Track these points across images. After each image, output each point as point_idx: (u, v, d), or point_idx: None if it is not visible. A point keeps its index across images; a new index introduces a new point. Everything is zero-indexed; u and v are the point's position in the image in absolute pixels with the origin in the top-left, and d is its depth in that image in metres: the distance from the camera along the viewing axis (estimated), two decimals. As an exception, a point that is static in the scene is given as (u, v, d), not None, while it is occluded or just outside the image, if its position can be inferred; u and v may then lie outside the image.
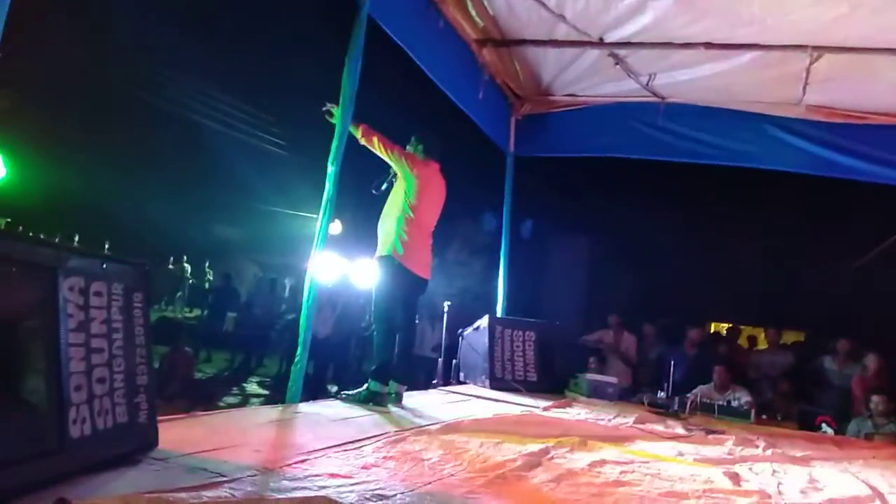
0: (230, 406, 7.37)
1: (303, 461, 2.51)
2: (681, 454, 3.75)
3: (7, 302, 1.85)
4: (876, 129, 5.49)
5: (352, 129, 4.11)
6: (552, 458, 3.14)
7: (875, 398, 5.91)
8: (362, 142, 4.23)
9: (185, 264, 15.77)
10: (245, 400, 8.17)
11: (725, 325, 10.44)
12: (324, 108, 4.09)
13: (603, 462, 3.17)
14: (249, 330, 10.41)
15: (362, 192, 4.64)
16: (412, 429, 3.50)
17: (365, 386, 4.25)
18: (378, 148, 4.24)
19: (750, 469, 3.46)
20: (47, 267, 1.99)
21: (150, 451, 2.36)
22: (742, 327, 9.67)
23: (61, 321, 2.01)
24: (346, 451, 2.77)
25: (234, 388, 8.62)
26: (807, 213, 9.65)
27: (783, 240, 10.13)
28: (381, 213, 4.44)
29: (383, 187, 4.47)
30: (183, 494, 1.90)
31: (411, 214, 4.31)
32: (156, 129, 13.32)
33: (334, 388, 8.47)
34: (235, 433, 2.83)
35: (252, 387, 9.16)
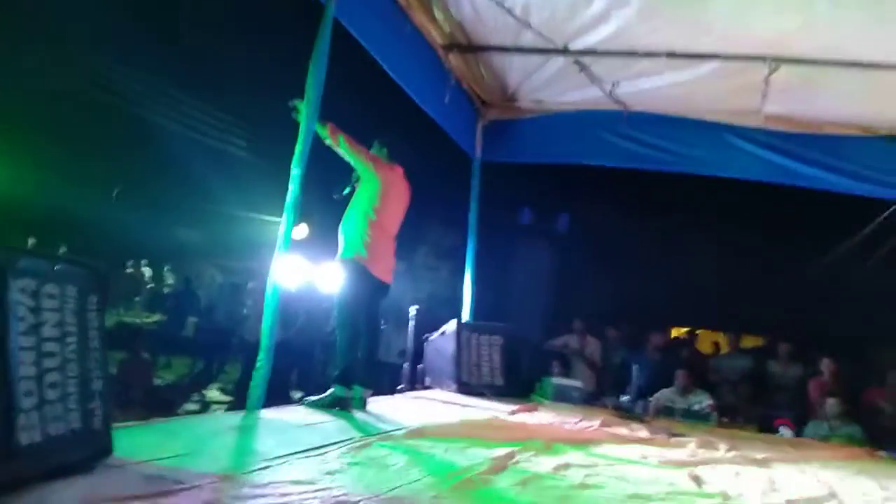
0: (190, 413, 7.19)
1: (265, 468, 2.45)
2: (645, 457, 3.80)
3: (-48, 303, 1.77)
4: (831, 139, 5.67)
5: (318, 127, 4.06)
6: (517, 461, 3.14)
7: (830, 401, 6.10)
8: (328, 142, 4.19)
9: (144, 268, 15.39)
10: (206, 407, 7.99)
11: (685, 330, 10.64)
12: (290, 104, 4.04)
13: (568, 465, 3.19)
14: (210, 335, 10.20)
15: (327, 195, 4.59)
16: (377, 434, 3.46)
17: (329, 391, 4.19)
18: (344, 148, 4.20)
19: (712, 471, 3.52)
20: (-5, 267, 1.91)
21: (106, 458, 2.28)
22: (702, 332, 9.88)
23: (11, 324, 1.93)
24: (309, 457, 2.73)
25: (195, 395, 8.42)
26: (765, 221, 9.92)
27: (742, 246, 10.40)
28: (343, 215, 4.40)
29: (345, 192, 4.43)
30: (138, 503, 1.84)
31: (375, 217, 4.28)
32: (113, 129, 12.98)
33: (298, 395, 8.36)
34: (194, 440, 2.76)
35: (213, 393, 8.97)
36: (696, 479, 3.24)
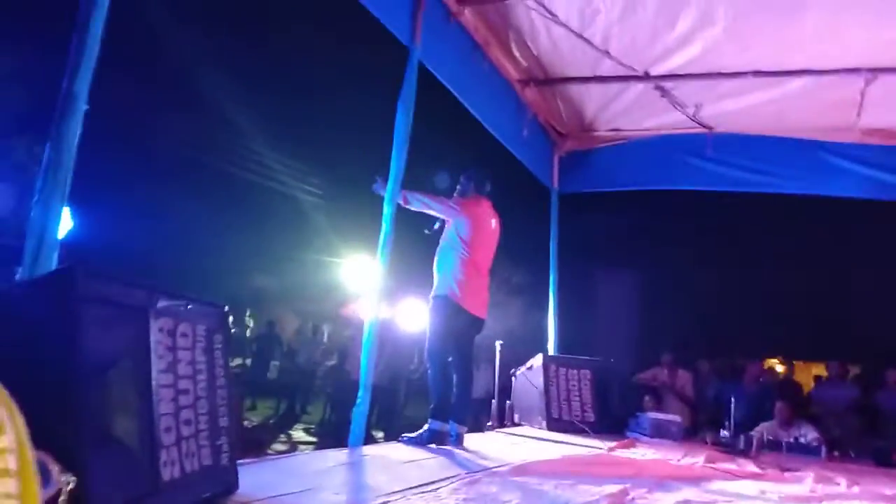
0: (280, 453, 7.29)
1: (384, 503, 2.44)
2: (763, 492, 3.58)
3: (105, 343, 1.85)
4: (935, 149, 5.35)
5: (408, 202, 4.14)
6: (633, 498, 3.01)
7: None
8: (405, 206, 4.24)
9: (225, 309, 15.88)
10: (293, 447, 8.09)
11: (778, 360, 10.11)
12: (374, 184, 4.12)
13: (687, 502, 3.04)
14: (292, 377, 10.40)
15: (401, 233, 4.64)
16: (482, 471, 3.40)
17: (425, 426, 4.17)
18: (421, 207, 4.25)
19: (841, 507, 3.28)
20: (139, 308, 2.00)
21: (232, 494, 2.32)
22: (798, 362, 9.36)
23: (153, 362, 2.01)
24: (423, 493, 2.70)
25: (281, 435, 8.56)
26: (862, 242, 9.38)
27: (835, 269, 9.85)
28: (435, 252, 4.43)
29: (436, 226, 4.46)
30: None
31: (466, 254, 4.29)
32: (195, 182, 13.68)
33: (380, 434, 8.36)
34: (310, 476, 2.78)
35: (298, 433, 9.09)
36: (828, 517, 3.01)
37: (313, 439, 8.65)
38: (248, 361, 12.12)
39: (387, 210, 3.99)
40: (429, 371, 4.42)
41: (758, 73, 4.91)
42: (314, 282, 15.67)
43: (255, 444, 7.55)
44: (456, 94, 4.82)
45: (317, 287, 15.46)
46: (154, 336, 2.03)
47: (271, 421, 9.69)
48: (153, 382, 1.99)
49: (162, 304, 2.10)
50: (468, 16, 4.70)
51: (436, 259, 4.40)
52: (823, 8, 3.99)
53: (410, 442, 4.10)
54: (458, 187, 4.54)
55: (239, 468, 2.52)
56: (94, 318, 1.77)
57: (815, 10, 4.04)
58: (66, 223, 2.41)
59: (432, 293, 4.35)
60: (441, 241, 4.42)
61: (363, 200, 4.35)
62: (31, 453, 0.66)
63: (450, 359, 4.34)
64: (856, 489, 3.92)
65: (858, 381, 7.93)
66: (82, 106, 2.27)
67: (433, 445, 4.04)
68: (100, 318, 1.80)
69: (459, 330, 4.32)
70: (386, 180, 4.02)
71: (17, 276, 2.21)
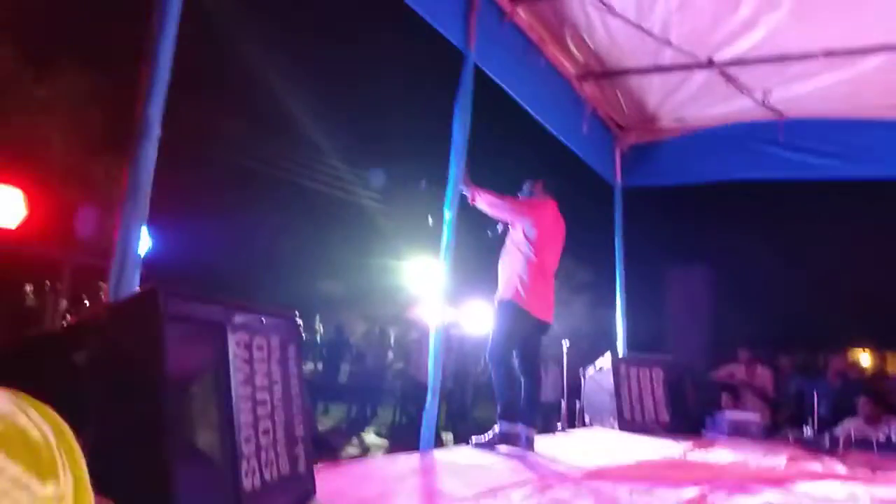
0: (352, 457, 7.44)
1: (459, 510, 2.45)
2: (854, 495, 3.39)
3: (187, 360, 1.94)
4: None
5: (463, 189, 4.14)
6: (711, 502, 2.91)
7: None
8: (472, 203, 4.24)
9: (297, 320, 16.34)
10: (365, 450, 8.24)
11: (867, 351, 9.56)
12: (420, 186, 4.16)
13: (770, 506, 2.92)
14: (362, 380, 10.59)
15: (464, 235, 4.63)
16: (554, 475, 3.37)
17: (494, 428, 4.16)
18: (487, 207, 4.23)
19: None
20: (218, 323, 2.08)
21: (310, 501, 2.37)
22: (889, 353, 8.84)
23: (231, 375, 2.08)
24: (495, 498, 2.69)
25: (354, 439, 8.72)
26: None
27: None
28: (498, 255, 4.41)
29: (499, 228, 4.44)
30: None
31: (532, 256, 4.24)
32: (263, 192, 14.13)
33: (449, 436, 8.41)
34: (383, 482, 2.83)
35: (370, 437, 9.25)
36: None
37: (384, 442, 8.78)
38: (320, 366, 12.41)
39: (448, 213, 4.00)
40: (492, 374, 4.41)
41: (829, 54, 4.66)
42: (379, 285, 15.93)
43: (329, 448, 7.72)
44: (513, 94, 4.79)
45: (382, 290, 15.70)
46: (232, 350, 2.11)
47: (343, 425, 9.89)
48: (233, 395, 2.07)
49: (238, 319, 2.17)
50: (522, 15, 4.67)
51: (500, 261, 4.38)
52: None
53: (480, 445, 4.10)
54: (524, 187, 4.51)
55: (315, 475, 2.59)
56: (178, 335, 1.85)
57: (890, -18, 3.80)
58: (145, 242, 2.53)
59: (497, 296, 4.33)
60: (507, 243, 4.40)
61: (425, 203, 4.37)
62: (90, 498, 0.64)
63: (514, 361, 4.32)
64: (958, 490, 3.67)
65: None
66: (156, 130, 2.38)
67: (503, 447, 4.02)
68: (182, 336, 1.89)
69: (524, 333, 4.29)
70: (430, 183, 4.04)
71: (102, 294, 2.33)
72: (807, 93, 5.18)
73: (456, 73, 4.13)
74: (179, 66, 2.45)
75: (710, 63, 5.01)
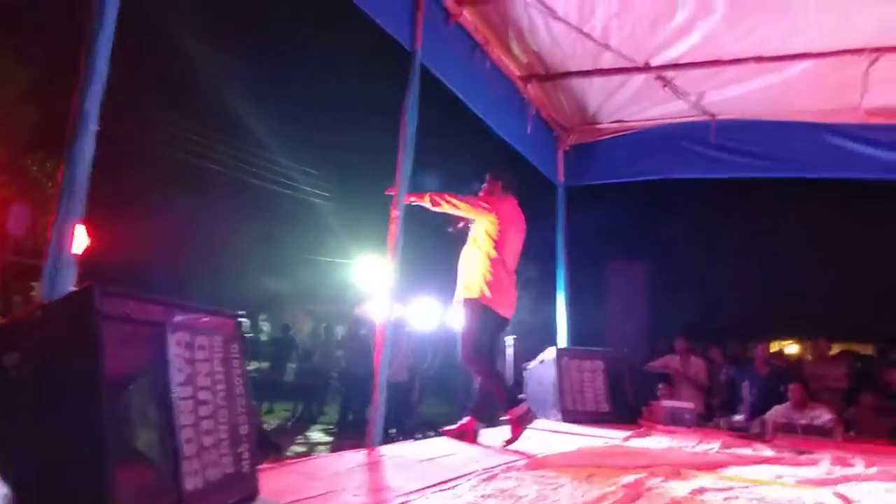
0: (299, 455, 7.38)
1: (404, 503, 2.49)
2: (779, 477, 3.60)
3: (125, 360, 1.91)
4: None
5: (417, 201, 4.17)
6: (650, 488, 3.04)
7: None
8: (434, 209, 4.27)
9: (241, 318, 16.07)
10: (311, 448, 8.18)
11: (790, 341, 10.12)
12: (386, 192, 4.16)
13: (703, 490, 3.07)
14: (309, 378, 10.51)
15: (413, 232, 4.66)
16: (499, 465, 3.44)
17: (464, 420, 4.25)
18: (450, 209, 4.26)
19: (858, 489, 3.30)
20: (157, 323, 2.06)
21: (254, 500, 2.37)
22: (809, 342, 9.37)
23: (172, 376, 2.07)
24: (442, 490, 2.75)
25: (300, 437, 8.65)
26: (866, 221, 9.34)
27: (843, 249, 9.81)
28: (451, 251, 4.45)
29: (459, 225, 4.46)
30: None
31: (495, 254, 4.27)
32: (206, 190, 13.80)
33: (394, 431, 8.43)
34: (329, 479, 2.84)
35: (316, 434, 9.19)
36: (845, 499, 3.04)
37: (331, 440, 8.73)
38: (265, 365, 12.25)
39: (396, 212, 4.02)
40: (473, 373, 4.43)
41: (759, 59, 4.90)
42: (327, 283, 15.79)
43: (274, 447, 7.62)
44: (459, 94, 4.84)
45: (330, 288, 15.57)
46: (172, 350, 2.09)
47: (289, 423, 9.79)
48: (172, 395, 2.05)
49: (178, 318, 2.15)
50: (467, 16, 4.72)
51: (462, 260, 4.39)
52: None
53: (449, 434, 4.21)
54: (483, 185, 4.55)
55: (259, 474, 2.59)
56: (115, 336, 1.82)
57: (815, -8, 4.04)
58: (81, 240, 2.46)
59: (462, 296, 4.34)
60: (468, 242, 4.43)
61: (374, 202, 4.38)
62: None
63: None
64: (873, 470, 3.93)
65: (864, 360, 7.95)
66: (93, 126, 2.33)
67: (466, 442, 4.09)
68: (120, 336, 1.86)
69: (490, 332, 4.33)
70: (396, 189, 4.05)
71: (35, 294, 2.27)
72: (737, 96, 5.44)
73: (404, 72, 4.15)
74: (117, 59, 2.39)
75: (647, 67, 5.19)
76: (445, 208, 4.25)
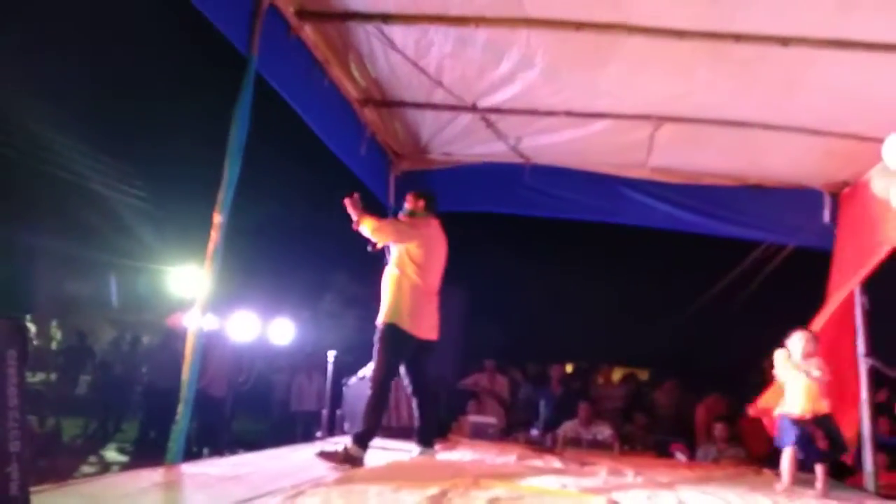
0: (87, 476, 6.73)
1: (201, 524, 2.44)
2: (564, 486, 4.03)
3: None
4: (709, 188, 6.37)
5: (351, 214, 4.14)
6: (451, 499, 3.25)
7: (718, 426, 6.68)
8: (356, 229, 4.24)
9: (28, 323, 14.23)
10: (105, 468, 7.50)
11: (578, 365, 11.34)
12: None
13: (498, 499, 3.34)
14: (105, 393, 9.60)
15: (235, 243, 4.57)
16: (307, 482, 3.47)
17: (343, 446, 4.14)
18: (370, 232, 4.25)
19: (626, 496, 3.82)
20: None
21: (23, 527, 2.19)
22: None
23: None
24: (244, 509, 2.73)
25: (92, 457, 7.88)
26: (652, 265, 10.85)
27: (631, 288, 11.23)
28: (381, 274, 4.43)
29: (379, 246, 4.41)
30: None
31: (416, 278, 4.26)
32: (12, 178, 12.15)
33: (205, 450, 8.02)
34: (117, 500, 2.66)
35: (111, 454, 8.43)
36: (613, 504, 3.51)
37: (126, 459, 8.06)
38: (53, 376, 10.96)
39: (219, 217, 3.91)
40: (369, 396, 4.34)
41: (568, 114, 5.52)
42: (135, 291, 14.52)
43: (57, 468, 6.89)
44: (295, 107, 4.85)
45: (137, 296, 14.35)
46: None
47: (79, 441, 8.86)
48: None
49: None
50: (308, 32, 4.73)
51: (384, 282, 4.34)
52: (623, 62, 4.61)
53: (324, 455, 4.07)
54: (404, 206, 4.52)
55: (34, 496, 2.38)
56: None
57: (616, 64, 4.64)
58: None
59: (380, 319, 4.29)
60: (390, 263, 4.37)
61: (193, 208, 4.21)
62: None
63: (403, 385, 4.41)
64: (640, 479, 4.56)
65: (640, 384, 9.20)
66: None
67: (346, 466, 3.99)
68: None
69: (409, 356, 4.33)
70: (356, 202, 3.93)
71: None
72: (550, 144, 6.06)
73: (237, 77, 4.09)
74: None
75: (474, 108, 5.60)
76: (364, 230, 4.20)
